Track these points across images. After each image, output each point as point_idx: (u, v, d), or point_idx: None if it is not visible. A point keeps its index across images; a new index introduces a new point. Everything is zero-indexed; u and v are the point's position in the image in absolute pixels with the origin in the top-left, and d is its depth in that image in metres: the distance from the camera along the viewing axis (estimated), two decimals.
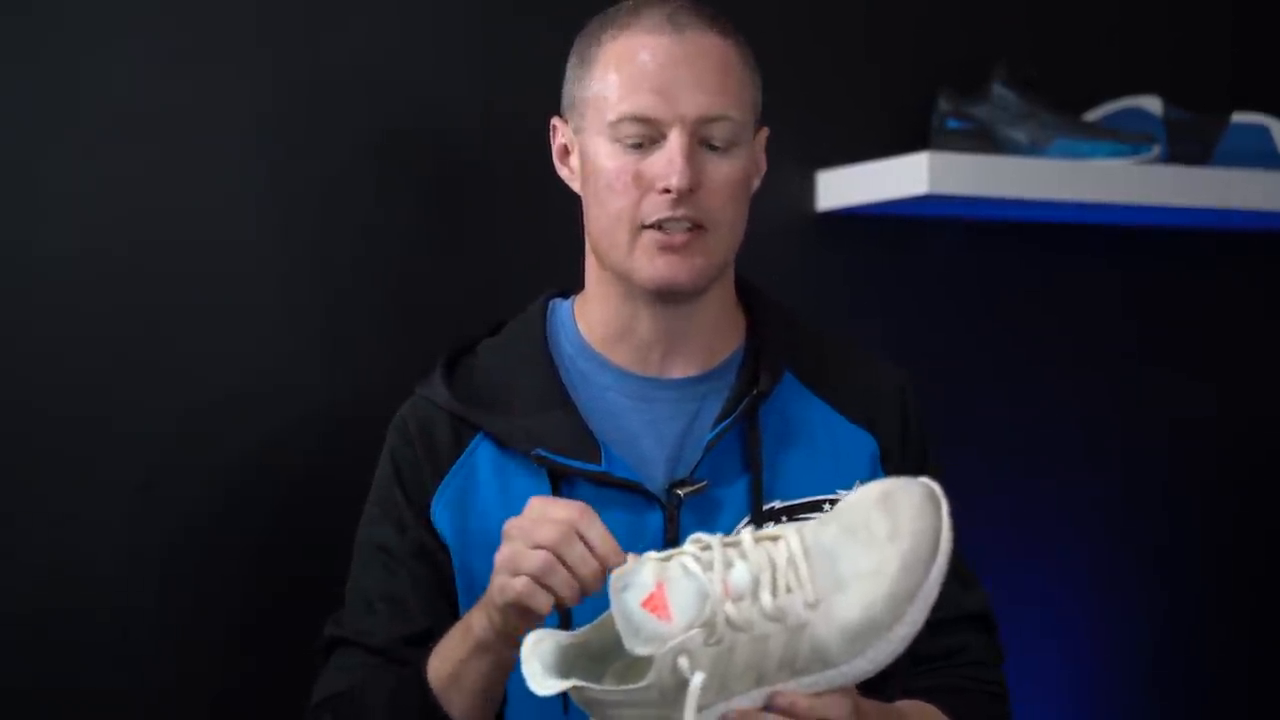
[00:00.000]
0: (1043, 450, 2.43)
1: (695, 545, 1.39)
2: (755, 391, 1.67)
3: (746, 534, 1.40)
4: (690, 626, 1.34)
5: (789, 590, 1.37)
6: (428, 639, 1.61)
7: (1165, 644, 2.51)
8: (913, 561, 1.39)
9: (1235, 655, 2.56)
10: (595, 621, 1.42)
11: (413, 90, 2.10)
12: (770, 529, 1.41)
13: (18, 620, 1.93)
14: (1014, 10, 2.41)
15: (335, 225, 2.06)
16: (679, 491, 1.64)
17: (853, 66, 2.33)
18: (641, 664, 1.37)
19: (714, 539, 1.39)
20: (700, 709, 1.36)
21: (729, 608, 1.35)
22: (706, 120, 1.62)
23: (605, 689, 1.36)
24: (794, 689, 1.39)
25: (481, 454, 1.68)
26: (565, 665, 1.39)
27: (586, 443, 1.65)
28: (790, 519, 1.64)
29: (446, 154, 2.12)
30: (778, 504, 1.66)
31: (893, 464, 1.72)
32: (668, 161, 1.61)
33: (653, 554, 1.39)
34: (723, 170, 1.63)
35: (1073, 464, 2.46)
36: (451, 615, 1.64)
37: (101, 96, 1.96)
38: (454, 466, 1.68)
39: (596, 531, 1.44)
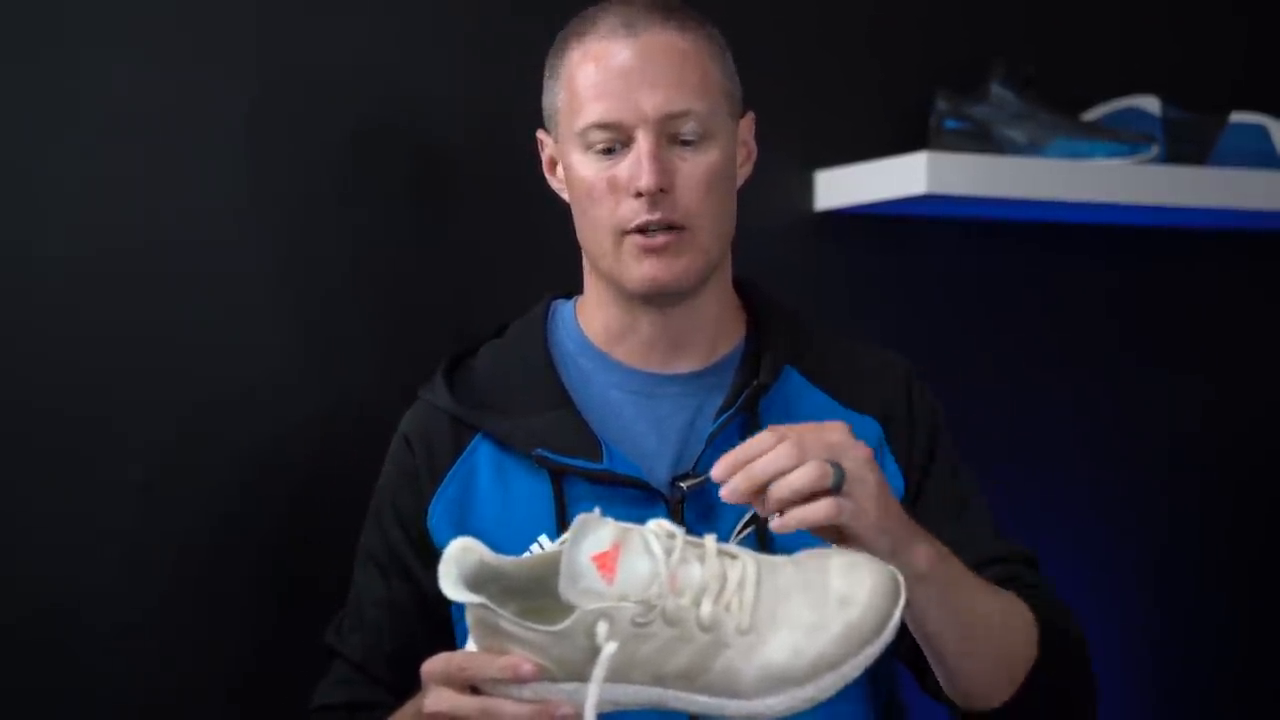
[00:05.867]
0: (1041, 450, 2.43)
1: (662, 530, 1.37)
2: (756, 383, 1.68)
3: (710, 540, 1.38)
4: (625, 598, 1.33)
5: (727, 609, 1.36)
6: (398, 658, 1.67)
7: (1165, 644, 2.51)
8: (854, 633, 1.36)
9: (1235, 655, 2.55)
10: (519, 558, 1.40)
11: (404, 90, 2.10)
12: (732, 546, 1.40)
13: (17, 620, 1.93)
14: (1013, 10, 2.41)
15: (338, 224, 2.06)
16: (681, 485, 1.64)
17: (852, 66, 2.33)
18: (545, 618, 1.35)
19: (679, 531, 1.37)
20: (585, 682, 1.34)
21: (669, 601, 1.34)
22: (671, 117, 1.62)
23: (512, 619, 1.34)
24: (686, 699, 1.36)
25: (481, 455, 1.69)
26: (477, 584, 1.37)
27: (587, 441, 1.65)
28: None
29: (438, 154, 2.12)
30: None
31: (899, 445, 1.72)
32: (635, 163, 1.62)
33: (623, 524, 1.36)
34: (696, 166, 1.63)
35: (1071, 463, 2.45)
36: (425, 633, 1.67)
37: (100, 97, 1.96)
38: (453, 468, 1.69)
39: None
